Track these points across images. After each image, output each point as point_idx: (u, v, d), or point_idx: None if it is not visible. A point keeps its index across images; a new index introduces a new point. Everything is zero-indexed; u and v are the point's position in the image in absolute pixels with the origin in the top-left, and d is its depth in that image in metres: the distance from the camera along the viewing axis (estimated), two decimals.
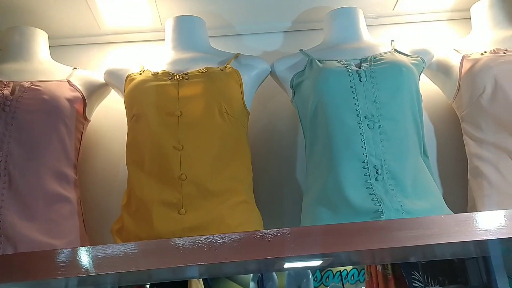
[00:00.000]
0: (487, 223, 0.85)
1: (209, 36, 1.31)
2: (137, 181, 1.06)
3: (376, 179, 1.01)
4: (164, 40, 1.28)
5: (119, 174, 1.31)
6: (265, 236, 0.92)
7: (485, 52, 1.16)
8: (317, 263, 1.06)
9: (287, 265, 1.03)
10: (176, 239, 0.88)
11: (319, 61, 1.15)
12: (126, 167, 1.10)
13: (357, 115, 1.05)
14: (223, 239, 0.90)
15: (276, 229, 0.91)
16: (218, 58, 1.22)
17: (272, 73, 1.24)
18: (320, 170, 1.07)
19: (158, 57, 1.23)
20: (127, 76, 1.16)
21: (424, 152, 1.13)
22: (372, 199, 0.99)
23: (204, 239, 0.89)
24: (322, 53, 1.21)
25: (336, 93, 1.07)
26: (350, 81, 1.08)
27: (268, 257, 0.91)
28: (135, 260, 0.86)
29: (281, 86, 1.26)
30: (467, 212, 1.17)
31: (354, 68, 1.11)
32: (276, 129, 1.37)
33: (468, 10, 1.36)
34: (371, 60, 1.13)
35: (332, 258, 1.01)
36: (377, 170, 1.02)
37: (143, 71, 1.15)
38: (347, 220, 0.99)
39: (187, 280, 1.52)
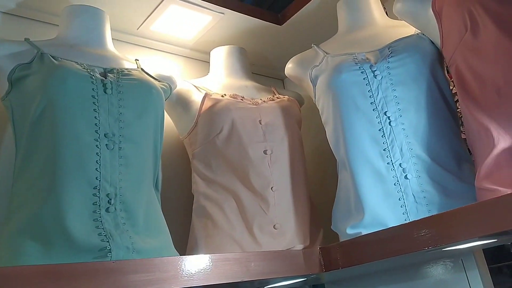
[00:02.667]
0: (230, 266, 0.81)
1: None
2: None
3: (107, 210, 0.85)
4: None
5: None
6: None
7: (225, 94, 1.19)
8: None
9: None
10: None
11: (53, 57, 0.93)
12: None
13: (96, 131, 0.88)
14: None
15: None
16: None
17: None
18: (35, 192, 0.83)
19: None
20: None
21: (156, 185, 1.04)
22: (100, 234, 0.82)
23: None
24: (56, 49, 0.99)
25: (74, 99, 0.87)
26: (93, 89, 0.90)
27: None
28: None
29: None
30: (186, 252, 1.12)
31: (98, 76, 0.94)
32: None
33: (208, 53, 1.40)
34: (118, 72, 0.98)
35: None
36: (110, 199, 0.86)
37: None
38: (64, 258, 0.78)
39: None
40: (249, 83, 1.31)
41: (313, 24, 1.41)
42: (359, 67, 1.02)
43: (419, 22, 1.00)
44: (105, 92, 0.91)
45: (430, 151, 0.96)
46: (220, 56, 1.35)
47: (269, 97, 1.25)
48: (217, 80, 1.31)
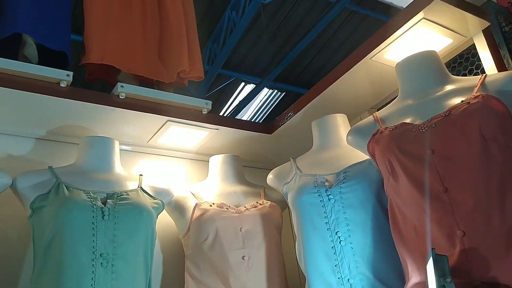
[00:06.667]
0: None
1: None
2: None
3: None
4: None
5: None
6: None
7: (213, 204, 1.39)
8: None
9: None
10: None
11: (66, 187, 1.17)
12: None
13: (93, 252, 1.09)
14: None
15: None
16: None
17: (13, 186, 1.19)
18: None
19: None
20: None
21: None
22: None
23: None
24: (72, 177, 1.23)
25: (76, 228, 1.10)
26: (93, 217, 1.13)
27: None
28: None
29: (20, 201, 1.21)
30: None
31: (99, 204, 1.16)
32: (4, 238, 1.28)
33: (209, 155, 1.61)
34: (117, 197, 1.21)
35: None
36: None
37: None
38: None
39: None
40: (239, 188, 1.51)
41: (296, 134, 1.61)
42: (317, 190, 1.20)
43: (366, 153, 1.17)
44: (102, 218, 1.14)
45: (375, 270, 1.10)
46: (216, 164, 1.57)
47: (253, 203, 1.43)
48: (212, 185, 1.52)
